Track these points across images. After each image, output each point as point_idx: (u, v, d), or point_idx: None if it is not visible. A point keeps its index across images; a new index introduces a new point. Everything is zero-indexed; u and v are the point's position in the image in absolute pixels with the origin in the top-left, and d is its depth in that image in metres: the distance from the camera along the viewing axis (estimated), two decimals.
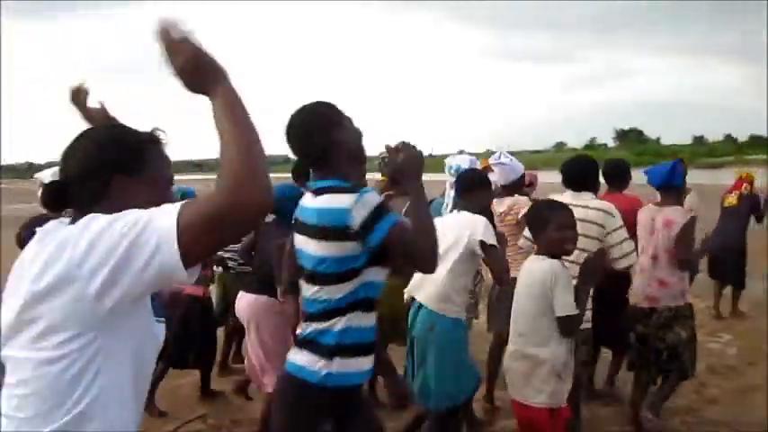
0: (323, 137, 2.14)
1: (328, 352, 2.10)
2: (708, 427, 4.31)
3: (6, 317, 1.29)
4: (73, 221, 1.32)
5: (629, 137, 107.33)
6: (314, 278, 2.15)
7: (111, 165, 1.40)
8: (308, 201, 2.21)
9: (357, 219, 2.02)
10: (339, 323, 2.11)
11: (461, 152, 5.47)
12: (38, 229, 1.32)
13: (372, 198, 2.06)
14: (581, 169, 3.97)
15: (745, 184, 7.19)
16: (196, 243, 1.17)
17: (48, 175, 4.74)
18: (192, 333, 4.50)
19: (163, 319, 1.52)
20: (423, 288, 3.33)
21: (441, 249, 2.36)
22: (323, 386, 2.11)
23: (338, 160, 2.16)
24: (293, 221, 2.31)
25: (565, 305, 2.80)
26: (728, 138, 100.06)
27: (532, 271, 2.92)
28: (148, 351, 1.43)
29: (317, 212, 2.13)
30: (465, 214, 3.38)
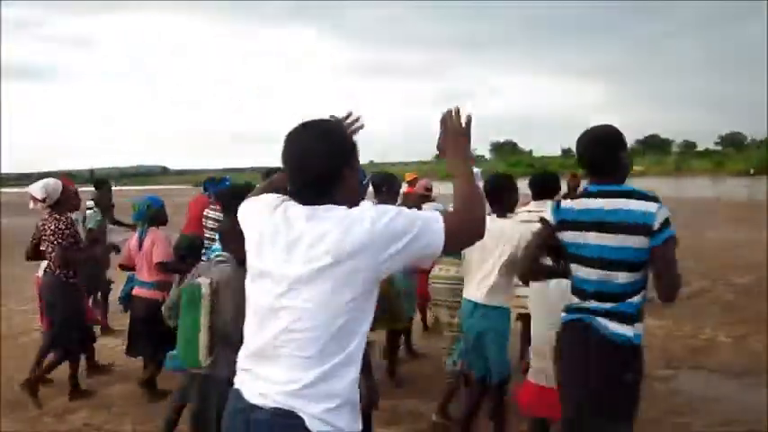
0: (617, 153, 2.75)
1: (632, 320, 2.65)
2: None
3: (287, 277, 1.70)
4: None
5: (504, 149, 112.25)
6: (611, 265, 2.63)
7: (345, 159, 1.80)
8: (589, 202, 2.72)
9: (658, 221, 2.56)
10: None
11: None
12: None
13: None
14: (544, 181, 5.22)
15: None
16: (448, 246, 1.71)
17: (38, 188, 5.24)
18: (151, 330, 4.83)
19: None
20: (477, 287, 3.99)
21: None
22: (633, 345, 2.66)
23: (621, 173, 2.76)
24: (562, 221, 2.79)
25: None
26: None
27: None
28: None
29: (623, 211, 2.62)
30: (505, 222, 4.05)
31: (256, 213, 1.87)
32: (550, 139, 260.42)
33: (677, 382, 5.47)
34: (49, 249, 5.17)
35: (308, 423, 1.66)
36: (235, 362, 1.89)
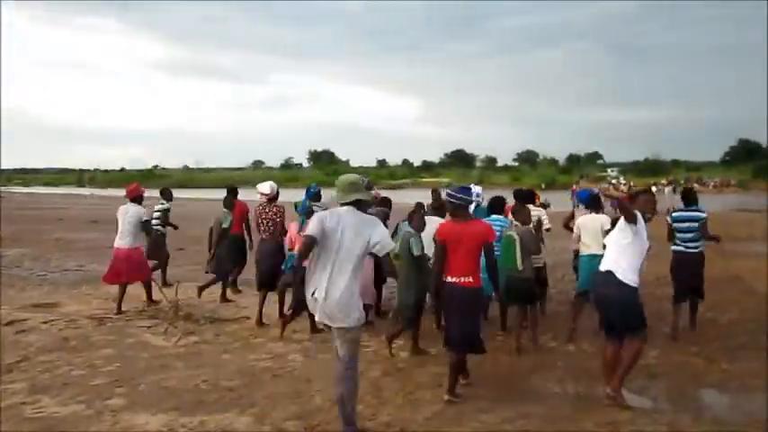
0: None
1: None
2: (381, 428, 4.74)
3: None
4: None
5: (322, 158, 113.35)
6: None
7: None
8: (683, 214, 7.62)
9: None
10: None
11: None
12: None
13: None
14: (530, 193, 8.81)
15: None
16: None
17: (267, 186, 8.29)
18: None
19: None
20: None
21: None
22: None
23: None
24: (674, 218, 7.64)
25: None
26: (406, 162, 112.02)
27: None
28: None
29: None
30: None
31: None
32: (367, 150, 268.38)
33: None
34: (269, 225, 8.14)
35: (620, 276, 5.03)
36: (531, 266, 6.84)
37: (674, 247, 7.67)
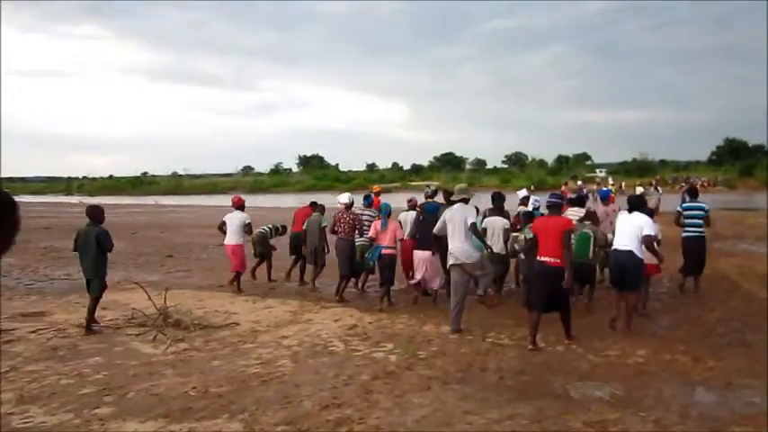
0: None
1: None
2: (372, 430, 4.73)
3: None
4: None
5: (312, 162, 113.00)
6: None
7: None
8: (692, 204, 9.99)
9: None
10: None
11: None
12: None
13: None
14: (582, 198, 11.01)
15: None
16: None
17: (346, 197, 10.24)
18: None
19: None
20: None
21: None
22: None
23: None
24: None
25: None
26: (395, 166, 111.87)
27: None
28: None
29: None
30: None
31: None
32: (356, 154, 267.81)
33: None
34: (346, 228, 9.92)
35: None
36: (597, 256, 8.93)
37: (685, 234, 9.74)
